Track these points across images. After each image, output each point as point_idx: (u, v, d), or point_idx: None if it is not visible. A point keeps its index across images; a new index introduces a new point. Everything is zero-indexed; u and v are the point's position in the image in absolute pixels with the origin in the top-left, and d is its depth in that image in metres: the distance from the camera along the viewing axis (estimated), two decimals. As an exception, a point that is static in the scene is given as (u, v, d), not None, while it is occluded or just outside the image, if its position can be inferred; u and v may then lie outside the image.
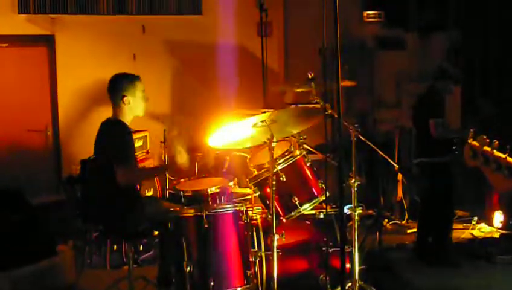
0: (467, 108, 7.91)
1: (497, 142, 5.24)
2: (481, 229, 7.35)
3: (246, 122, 4.13)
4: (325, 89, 3.95)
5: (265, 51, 6.45)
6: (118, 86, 4.71)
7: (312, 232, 4.71)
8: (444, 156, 6.12)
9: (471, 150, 5.39)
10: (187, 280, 4.14)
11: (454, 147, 6.15)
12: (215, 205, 4.43)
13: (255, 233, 4.52)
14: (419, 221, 6.54)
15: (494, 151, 5.18)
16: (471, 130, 5.42)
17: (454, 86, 6.39)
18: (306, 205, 4.37)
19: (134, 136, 6.80)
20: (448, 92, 6.31)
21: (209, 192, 4.71)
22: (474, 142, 5.37)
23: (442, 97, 6.22)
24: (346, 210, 4.29)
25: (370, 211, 7.16)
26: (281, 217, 4.34)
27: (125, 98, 4.68)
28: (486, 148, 5.24)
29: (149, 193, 6.85)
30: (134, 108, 4.74)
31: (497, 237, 7.01)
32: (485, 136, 5.27)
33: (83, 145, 7.41)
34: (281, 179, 4.25)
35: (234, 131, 4.26)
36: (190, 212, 4.28)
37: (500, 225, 7.26)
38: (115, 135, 4.65)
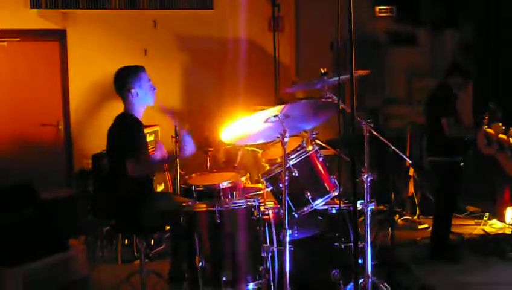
0: (479, 105, 7.85)
1: (512, 130, 5.20)
2: (493, 225, 7.33)
3: (259, 116, 4.11)
4: (338, 84, 3.94)
5: (277, 45, 6.44)
6: (124, 80, 4.72)
7: (324, 228, 4.70)
8: (455, 156, 6.08)
9: (486, 138, 5.37)
10: (199, 275, 4.14)
11: (466, 148, 6.12)
12: (227, 200, 4.42)
13: (267, 228, 4.51)
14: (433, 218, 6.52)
15: (510, 138, 5.15)
16: (486, 117, 5.40)
17: (466, 82, 6.31)
18: (318, 200, 4.35)
19: (146, 130, 6.81)
20: (460, 88, 6.24)
21: (221, 187, 4.70)
22: (489, 130, 5.34)
23: (453, 94, 6.16)
24: (358, 205, 4.28)
25: (381, 207, 7.14)
26: (293, 212, 4.33)
27: (132, 91, 4.68)
28: (502, 135, 5.22)
29: (160, 188, 6.86)
30: (143, 99, 4.75)
31: (509, 233, 6.98)
32: (500, 124, 5.23)
33: (95, 139, 7.45)
34: (293, 174, 4.24)
35: (247, 126, 4.24)
36: (202, 207, 4.28)
37: (512, 221, 7.24)
38: (124, 128, 4.66)
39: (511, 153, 4.97)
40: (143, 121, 4.84)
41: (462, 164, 6.12)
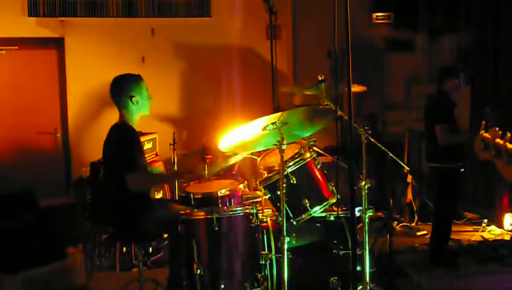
0: (476, 111, 7.85)
1: (509, 135, 5.20)
2: (491, 232, 7.33)
3: (256, 124, 4.11)
4: (336, 91, 3.95)
5: (274, 53, 6.43)
6: (125, 87, 4.69)
7: (322, 235, 4.70)
8: (454, 162, 6.08)
9: (483, 143, 5.36)
10: (197, 283, 4.13)
11: (465, 154, 6.13)
12: (225, 208, 4.42)
13: (265, 236, 4.50)
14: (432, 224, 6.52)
15: (507, 143, 5.14)
16: (483, 122, 5.40)
17: (463, 83, 6.27)
18: (316, 208, 4.35)
19: (144, 138, 6.83)
20: (457, 90, 6.22)
21: (219, 194, 4.70)
22: (486, 134, 5.34)
23: (449, 100, 6.16)
24: (356, 212, 4.28)
25: (380, 213, 7.13)
26: (291, 220, 4.33)
27: (133, 99, 4.67)
28: (499, 140, 5.22)
29: (159, 196, 6.85)
30: (142, 107, 4.74)
31: (508, 239, 6.98)
32: (497, 128, 5.23)
33: (93, 147, 7.43)
34: (291, 181, 4.24)
35: (244, 134, 4.24)
36: (200, 214, 4.27)
37: (510, 227, 7.24)
38: (123, 141, 4.62)
39: (508, 158, 4.96)
40: (141, 129, 4.84)
41: (462, 170, 6.12)
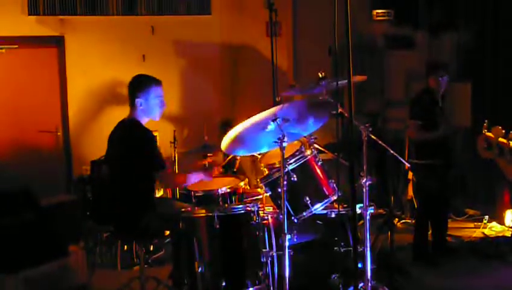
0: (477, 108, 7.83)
1: (512, 134, 5.20)
2: (492, 228, 7.33)
3: (257, 122, 4.10)
4: (337, 88, 3.95)
5: (274, 50, 6.43)
6: (134, 88, 4.72)
7: (323, 232, 4.69)
8: (426, 158, 6.07)
9: (486, 142, 5.36)
10: (198, 281, 4.13)
11: (448, 150, 6.15)
12: (226, 205, 4.42)
13: (266, 233, 4.50)
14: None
15: (510, 142, 5.14)
16: (486, 121, 5.41)
17: (446, 78, 6.23)
18: (317, 205, 4.35)
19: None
20: (439, 88, 6.17)
21: (220, 192, 4.70)
22: (489, 133, 5.34)
23: (430, 98, 6.16)
24: (357, 209, 4.27)
25: (381, 210, 7.13)
26: (293, 217, 4.33)
27: (137, 100, 4.67)
28: (502, 139, 5.21)
29: (159, 193, 6.85)
30: (147, 111, 4.71)
31: (509, 235, 6.98)
32: (500, 127, 5.23)
33: (94, 145, 7.44)
34: (292, 179, 4.24)
35: (246, 134, 4.23)
36: (201, 212, 4.28)
37: (511, 224, 7.23)
38: (142, 140, 4.60)
39: (510, 156, 4.95)
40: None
41: (444, 167, 6.14)
